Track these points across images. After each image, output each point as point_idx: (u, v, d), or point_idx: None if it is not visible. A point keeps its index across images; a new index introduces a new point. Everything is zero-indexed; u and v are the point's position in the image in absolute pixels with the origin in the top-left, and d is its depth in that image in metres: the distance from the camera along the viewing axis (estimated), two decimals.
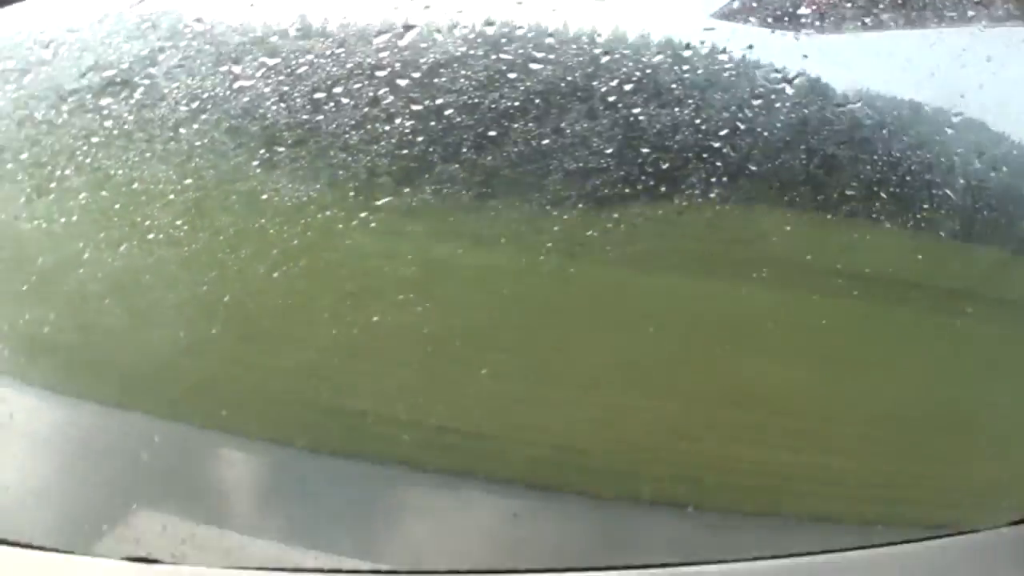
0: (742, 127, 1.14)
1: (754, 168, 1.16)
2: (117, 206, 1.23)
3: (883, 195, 1.19)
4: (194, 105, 1.21)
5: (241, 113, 1.19)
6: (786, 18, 1.32)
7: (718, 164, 1.14)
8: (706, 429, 1.11)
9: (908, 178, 1.19)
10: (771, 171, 1.16)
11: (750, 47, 1.17)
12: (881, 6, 1.38)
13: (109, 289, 1.20)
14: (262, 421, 1.18)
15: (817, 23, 1.31)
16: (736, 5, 1.30)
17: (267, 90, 1.19)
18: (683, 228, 1.19)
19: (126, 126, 1.23)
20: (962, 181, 1.17)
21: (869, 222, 1.22)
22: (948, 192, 1.17)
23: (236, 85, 1.19)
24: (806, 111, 1.20)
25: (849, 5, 1.36)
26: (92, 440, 1.22)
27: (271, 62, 1.19)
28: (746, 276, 1.16)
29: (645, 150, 1.13)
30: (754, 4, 1.31)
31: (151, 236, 1.20)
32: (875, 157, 1.21)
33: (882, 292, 1.19)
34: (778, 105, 1.15)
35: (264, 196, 1.19)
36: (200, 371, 1.19)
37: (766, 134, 1.18)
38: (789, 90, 1.15)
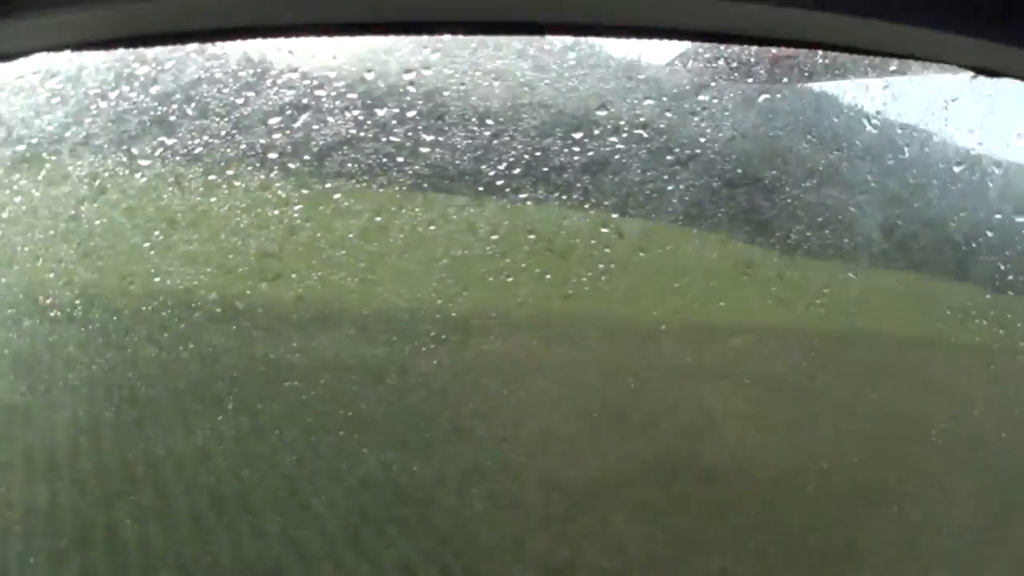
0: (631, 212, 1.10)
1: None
2: (21, 285, 1.24)
3: None
4: (95, 184, 1.21)
5: (138, 193, 1.20)
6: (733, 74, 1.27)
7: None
8: None
9: None
10: None
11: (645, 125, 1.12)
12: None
13: (9, 366, 1.21)
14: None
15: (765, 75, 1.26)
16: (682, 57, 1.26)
17: (164, 171, 1.19)
18: None
19: (33, 203, 1.24)
20: None
21: None
22: None
23: (135, 164, 1.19)
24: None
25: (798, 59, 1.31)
26: None
27: (169, 142, 1.19)
28: None
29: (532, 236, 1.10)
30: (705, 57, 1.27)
31: (52, 314, 1.21)
32: None
33: None
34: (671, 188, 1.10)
35: (157, 279, 1.18)
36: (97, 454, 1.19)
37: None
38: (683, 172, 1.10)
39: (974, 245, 1.28)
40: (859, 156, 1.25)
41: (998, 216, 1.33)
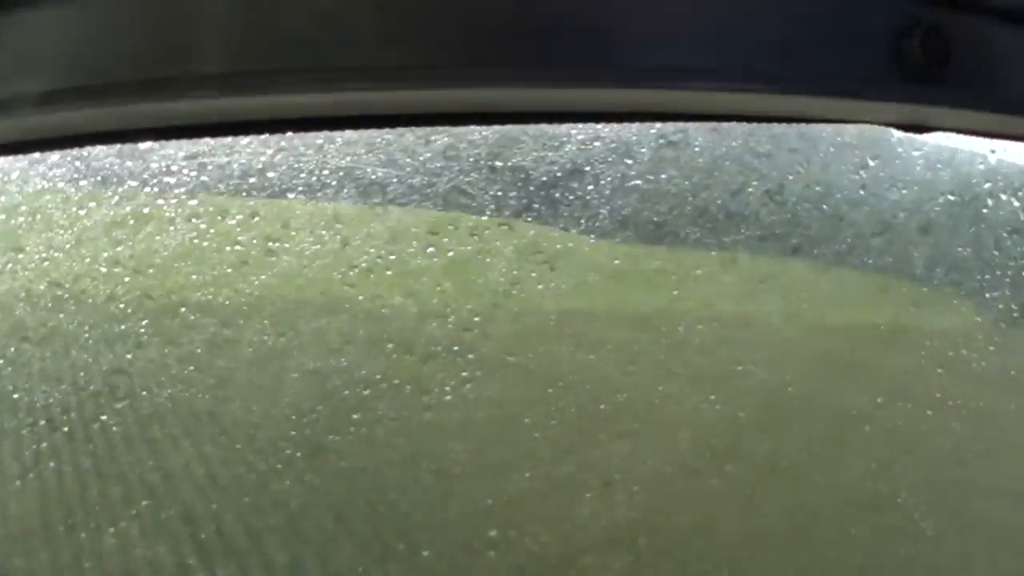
0: None
1: None
2: None
3: None
4: None
5: None
6: None
7: None
8: None
9: None
10: None
11: None
12: None
13: None
14: None
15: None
16: None
17: (16, 284, 1.15)
18: None
19: None
20: None
21: None
22: None
23: None
24: None
25: None
26: None
27: (19, 256, 1.14)
28: None
29: None
30: None
31: None
32: None
33: None
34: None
35: (16, 395, 1.15)
36: None
37: None
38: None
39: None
40: (757, 237, 1.13)
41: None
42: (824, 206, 1.16)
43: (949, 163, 1.23)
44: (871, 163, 1.18)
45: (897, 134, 1.21)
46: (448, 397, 1.08)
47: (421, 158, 1.09)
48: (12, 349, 1.16)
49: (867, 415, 1.06)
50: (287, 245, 1.07)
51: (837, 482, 1.07)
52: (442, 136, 1.10)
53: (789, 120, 1.15)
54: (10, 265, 1.17)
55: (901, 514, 1.06)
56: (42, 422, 1.14)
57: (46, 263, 1.15)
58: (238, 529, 1.12)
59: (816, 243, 1.15)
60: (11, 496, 1.17)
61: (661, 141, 1.14)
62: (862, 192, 1.19)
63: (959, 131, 1.30)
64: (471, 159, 1.10)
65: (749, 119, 1.17)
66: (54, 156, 1.12)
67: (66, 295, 1.13)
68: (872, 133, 1.14)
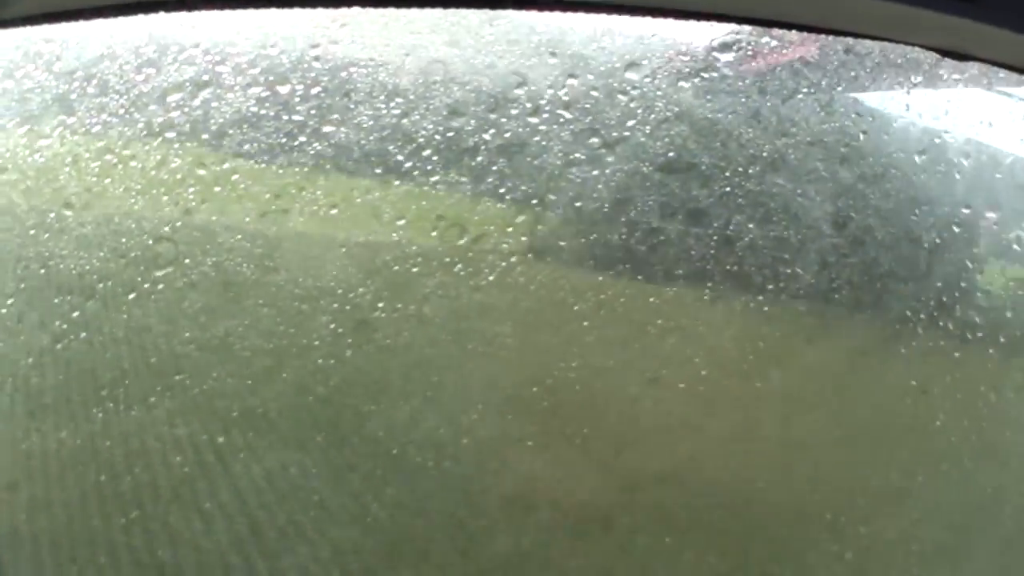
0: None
1: None
2: None
3: None
4: None
5: (36, 174, 1.14)
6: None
7: None
8: None
9: None
10: None
11: None
12: None
13: None
14: None
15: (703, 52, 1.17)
16: None
17: (62, 150, 1.13)
18: None
19: None
20: None
21: None
22: None
23: (36, 144, 1.14)
24: None
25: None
26: None
27: (68, 120, 1.13)
28: None
29: None
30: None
31: None
32: None
33: None
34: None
35: (51, 263, 1.12)
36: None
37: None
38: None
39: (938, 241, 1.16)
40: (808, 143, 1.14)
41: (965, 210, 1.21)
42: (871, 118, 1.18)
43: None
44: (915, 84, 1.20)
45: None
46: (497, 278, 1.07)
47: (484, 39, 1.10)
48: (52, 215, 1.13)
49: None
50: (345, 117, 1.07)
51: None
52: (504, 21, 1.11)
53: (823, 30, 1.17)
54: (59, 130, 1.15)
55: None
56: (77, 289, 1.11)
57: (97, 127, 1.13)
58: (273, 406, 1.09)
59: (861, 154, 1.17)
60: (38, 368, 1.14)
61: (714, 42, 1.16)
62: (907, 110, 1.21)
63: (998, 63, 1.33)
64: (532, 44, 1.11)
65: (775, 24, 1.19)
66: (116, 22, 1.12)
67: (115, 160, 1.11)
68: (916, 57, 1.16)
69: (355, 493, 1.06)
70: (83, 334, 1.11)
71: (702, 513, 1.10)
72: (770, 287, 1.14)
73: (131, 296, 1.09)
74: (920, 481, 1.15)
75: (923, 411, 1.18)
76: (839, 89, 1.18)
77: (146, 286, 1.10)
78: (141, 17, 1.08)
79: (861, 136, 1.16)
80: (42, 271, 1.14)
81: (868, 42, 1.13)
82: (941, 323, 1.20)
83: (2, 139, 1.19)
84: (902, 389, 1.19)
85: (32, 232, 1.15)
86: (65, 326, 1.12)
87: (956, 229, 1.21)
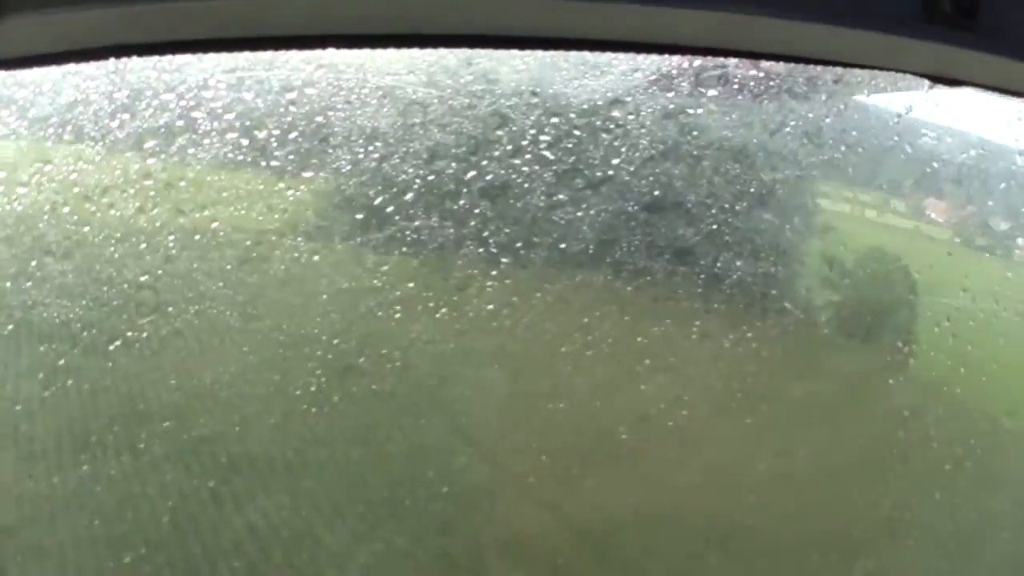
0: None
1: None
2: None
3: None
4: None
5: (15, 223, 1.13)
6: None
7: None
8: None
9: None
10: None
11: None
12: None
13: None
14: None
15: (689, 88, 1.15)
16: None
17: (40, 198, 1.11)
18: None
19: None
20: None
21: None
22: None
23: (14, 192, 1.12)
24: None
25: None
26: None
27: (45, 168, 1.12)
28: None
29: None
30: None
31: None
32: None
33: None
34: None
35: (34, 312, 1.11)
36: None
37: None
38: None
39: None
40: (795, 177, 1.12)
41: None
42: (860, 150, 1.16)
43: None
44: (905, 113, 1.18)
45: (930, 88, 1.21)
46: (482, 322, 1.06)
47: (462, 80, 1.08)
48: (33, 263, 1.13)
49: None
50: (324, 162, 1.05)
51: None
52: (483, 60, 1.08)
53: (813, 61, 1.14)
54: (36, 177, 1.14)
55: None
56: (60, 337, 1.11)
57: (74, 175, 1.12)
58: (261, 452, 1.09)
59: (851, 183, 1.15)
60: (26, 416, 1.14)
61: (700, 76, 1.13)
62: (896, 139, 1.19)
63: (990, 88, 1.30)
64: (512, 84, 1.09)
65: (761, 56, 1.17)
66: (89, 68, 1.10)
67: (93, 208, 1.10)
68: (907, 85, 1.13)
69: (349, 540, 1.06)
70: (69, 381, 1.11)
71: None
72: (758, 323, 1.13)
73: (115, 344, 1.09)
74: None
75: (915, 441, 1.18)
76: (827, 120, 1.16)
77: (130, 334, 1.09)
78: (112, 62, 1.06)
79: (850, 170, 1.14)
80: (25, 319, 1.14)
81: (857, 71, 1.11)
82: (932, 353, 1.19)
83: None
84: (884, 413, 1.19)
85: (14, 280, 1.15)
86: (51, 374, 1.11)
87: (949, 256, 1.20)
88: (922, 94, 1.17)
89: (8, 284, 1.16)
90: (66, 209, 1.13)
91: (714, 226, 1.09)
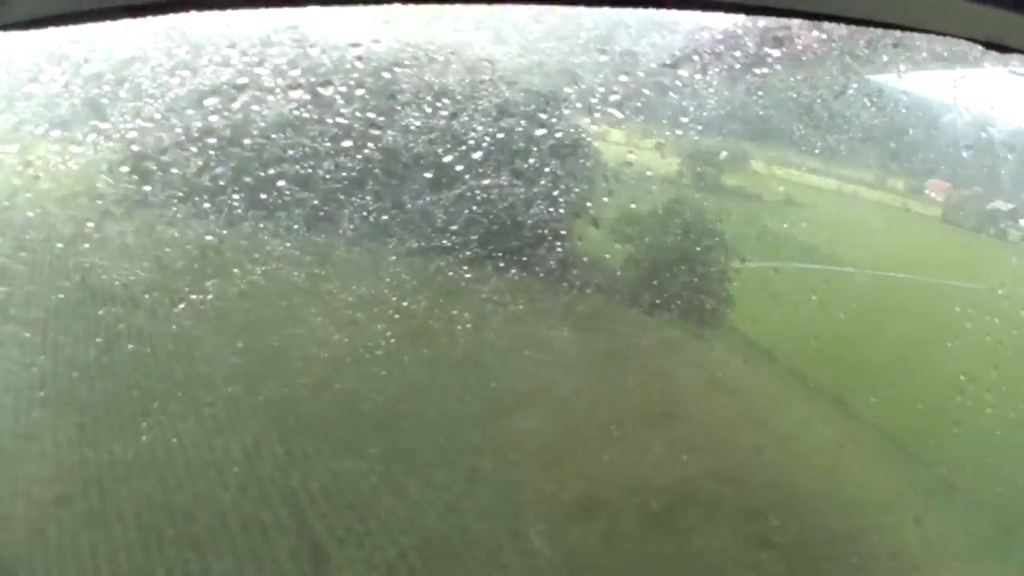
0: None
1: None
2: None
3: None
4: (28, 172, 1.12)
5: (71, 182, 1.10)
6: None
7: None
8: None
9: None
10: None
11: None
12: None
13: None
14: None
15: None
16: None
17: (97, 157, 1.09)
18: None
19: None
20: None
21: None
22: None
23: (68, 151, 1.10)
24: None
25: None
26: None
27: (102, 126, 1.09)
28: None
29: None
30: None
31: None
32: None
33: None
34: None
35: (93, 275, 1.09)
36: None
37: None
38: None
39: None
40: (859, 139, 1.12)
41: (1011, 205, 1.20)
42: (919, 113, 1.16)
43: None
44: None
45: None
46: (552, 283, 1.06)
47: (531, 37, 1.06)
48: (91, 224, 1.10)
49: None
50: (392, 120, 1.03)
51: None
52: (551, 16, 1.07)
53: (870, 23, 1.14)
54: (92, 136, 1.11)
55: None
56: (121, 300, 1.08)
57: (132, 133, 1.09)
58: (331, 417, 1.08)
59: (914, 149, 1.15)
60: (85, 382, 1.11)
61: (765, 36, 1.13)
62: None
63: None
64: (580, 41, 1.08)
65: (824, 17, 1.16)
66: (145, 22, 1.07)
67: (153, 166, 1.07)
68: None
69: (417, 502, 1.05)
70: (130, 346, 1.09)
71: None
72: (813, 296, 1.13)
73: (179, 307, 1.06)
74: None
75: None
76: (887, 82, 1.16)
77: (194, 296, 1.07)
78: (172, 17, 1.03)
79: (911, 131, 1.15)
80: (84, 282, 1.11)
81: (915, 35, 1.11)
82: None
83: (32, 146, 1.14)
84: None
85: (71, 242, 1.12)
86: (111, 338, 1.09)
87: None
88: None
89: (63, 246, 1.14)
90: (124, 168, 1.11)
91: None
